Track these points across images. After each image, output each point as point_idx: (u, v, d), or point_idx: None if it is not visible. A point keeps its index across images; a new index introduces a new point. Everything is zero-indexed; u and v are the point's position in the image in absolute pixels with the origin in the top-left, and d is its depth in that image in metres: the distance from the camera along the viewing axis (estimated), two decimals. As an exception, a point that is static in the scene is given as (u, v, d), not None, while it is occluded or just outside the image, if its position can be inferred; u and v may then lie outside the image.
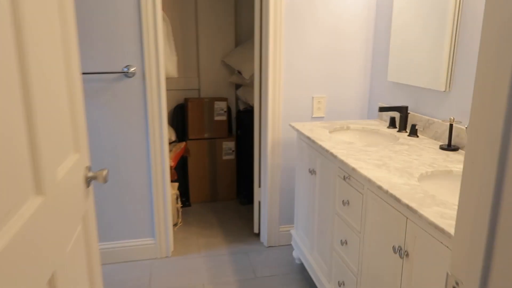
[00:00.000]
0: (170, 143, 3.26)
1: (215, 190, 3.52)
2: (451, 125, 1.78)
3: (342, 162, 1.63)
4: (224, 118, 3.42)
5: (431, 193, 1.30)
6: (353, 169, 1.53)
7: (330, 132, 2.19)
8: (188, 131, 3.38)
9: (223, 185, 3.53)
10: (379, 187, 1.34)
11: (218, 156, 3.46)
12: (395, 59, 2.26)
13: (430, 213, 1.12)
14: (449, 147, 1.77)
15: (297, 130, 2.21)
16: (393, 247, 1.31)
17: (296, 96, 2.51)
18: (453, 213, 1.12)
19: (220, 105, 3.40)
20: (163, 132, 2.40)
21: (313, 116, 2.56)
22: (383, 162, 1.58)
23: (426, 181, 1.46)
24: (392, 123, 2.22)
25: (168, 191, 2.50)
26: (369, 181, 1.41)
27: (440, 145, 1.81)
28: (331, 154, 1.74)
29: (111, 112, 2.30)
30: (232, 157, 3.50)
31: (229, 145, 3.47)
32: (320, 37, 2.46)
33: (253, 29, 3.60)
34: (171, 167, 2.83)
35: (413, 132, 2.02)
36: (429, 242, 1.14)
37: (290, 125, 2.33)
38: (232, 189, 3.56)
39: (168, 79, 3.49)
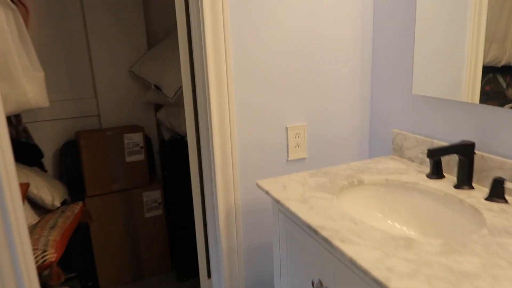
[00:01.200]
0: (55, 210, 2.04)
1: (139, 263, 2.37)
2: None
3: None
4: (141, 157, 2.28)
5: None
6: None
7: (336, 195, 1.19)
8: (85, 184, 2.18)
9: (150, 254, 2.39)
10: None
11: (137, 213, 2.32)
12: (427, 51, 1.31)
13: None
14: None
15: (276, 201, 1.17)
16: None
17: (259, 127, 1.47)
18: None
19: (133, 139, 2.25)
20: (9, 216, 1.23)
21: (290, 158, 1.54)
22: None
23: None
24: (437, 170, 1.27)
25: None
26: None
27: None
28: (395, 296, 0.73)
29: None
30: (159, 212, 2.37)
31: (152, 196, 2.34)
32: (294, 24, 1.44)
33: (173, 20, 2.50)
34: (50, 264, 1.64)
35: (498, 194, 1.09)
36: None
37: (258, 186, 1.29)
38: (164, 258, 2.43)
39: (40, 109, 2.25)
